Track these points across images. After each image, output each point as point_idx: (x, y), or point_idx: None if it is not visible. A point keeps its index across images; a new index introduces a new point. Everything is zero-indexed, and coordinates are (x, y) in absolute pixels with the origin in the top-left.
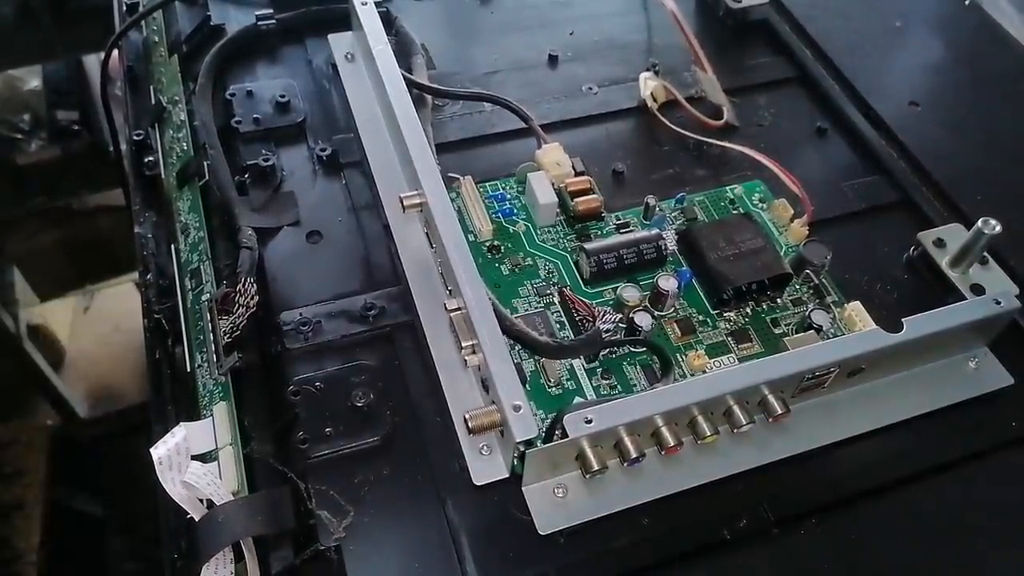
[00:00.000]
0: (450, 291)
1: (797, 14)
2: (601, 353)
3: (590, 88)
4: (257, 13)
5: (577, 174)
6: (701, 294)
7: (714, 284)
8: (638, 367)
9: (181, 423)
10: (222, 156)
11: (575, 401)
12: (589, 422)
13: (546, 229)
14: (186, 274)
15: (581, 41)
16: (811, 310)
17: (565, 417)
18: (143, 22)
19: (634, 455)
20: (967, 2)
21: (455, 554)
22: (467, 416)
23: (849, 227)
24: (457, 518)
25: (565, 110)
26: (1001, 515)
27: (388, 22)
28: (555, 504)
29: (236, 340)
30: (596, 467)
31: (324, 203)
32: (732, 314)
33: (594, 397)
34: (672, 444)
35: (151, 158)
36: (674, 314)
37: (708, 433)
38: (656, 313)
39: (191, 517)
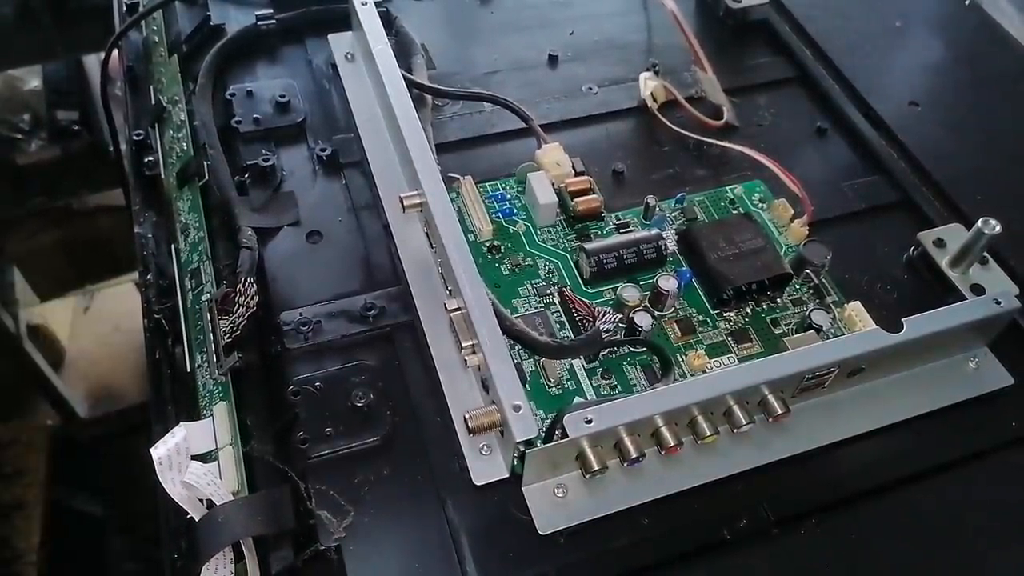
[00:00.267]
0: (450, 291)
1: (797, 14)
2: (601, 353)
3: (590, 88)
4: (257, 13)
5: (577, 174)
6: (701, 294)
7: (714, 284)
8: (638, 367)
9: (181, 423)
10: (222, 156)
11: (575, 401)
12: (589, 422)
13: (546, 229)
14: (186, 274)
15: (581, 41)
16: (811, 310)
17: (565, 417)
18: (143, 22)
19: (634, 455)
20: (967, 2)
21: (455, 554)
22: (467, 416)
23: (849, 227)
24: (457, 518)
25: (565, 110)
26: (1001, 515)
27: (388, 22)
28: (555, 504)
29: (236, 340)
30: (596, 467)
31: (324, 203)
32: (732, 314)
33: (594, 397)
34: (672, 444)
35: (151, 158)
36: (674, 314)
37: (708, 433)
38: (656, 313)
39: (191, 517)
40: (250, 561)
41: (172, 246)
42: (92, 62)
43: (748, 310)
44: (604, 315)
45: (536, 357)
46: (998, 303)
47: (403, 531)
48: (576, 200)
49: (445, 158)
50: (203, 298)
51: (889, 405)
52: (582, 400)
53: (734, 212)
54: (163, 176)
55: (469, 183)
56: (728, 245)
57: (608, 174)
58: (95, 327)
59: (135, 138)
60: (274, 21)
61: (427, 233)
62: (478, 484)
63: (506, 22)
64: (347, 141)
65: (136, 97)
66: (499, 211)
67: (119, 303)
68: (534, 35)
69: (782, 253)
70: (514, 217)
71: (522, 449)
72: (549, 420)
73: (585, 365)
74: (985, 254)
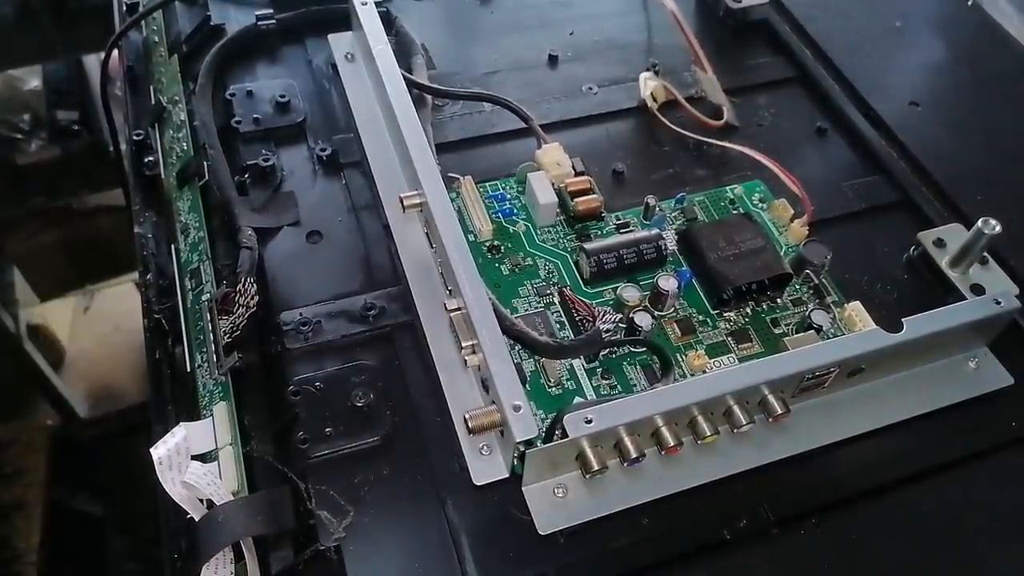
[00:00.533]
0: (450, 291)
1: (797, 14)
2: (601, 353)
3: (590, 88)
4: (257, 13)
5: (577, 174)
6: (701, 294)
7: (714, 284)
8: (638, 367)
9: (181, 423)
10: (222, 156)
11: (575, 401)
12: (589, 422)
13: (546, 229)
14: (186, 274)
15: (581, 41)
16: (811, 310)
17: (565, 417)
18: (143, 22)
19: (634, 455)
20: (970, 2)
21: (455, 554)
22: (467, 416)
23: (849, 227)
24: (457, 518)
25: (565, 110)
26: (1001, 515)
27: (388, 22)
28: (555, 504)
29: (236, 340)
30: (596, 467)
31: (324, 203)
32: (732, 314)
33: (594, 397)
34: (672, 444)
35: (151, 158)
36: (674, 314)
37: (708, 433)
38: (656, 313)
39: (191, 517)
40: (250, 561)
41: (172, 246)
42: (92, 62)
43: (748, 310)
44: (604, 315)
45: (536, 357)
46: (998, 303)
47: (403, 531)
48: (576, 200)
49: (445, 158)
50: (203, 298)
51: (889, 405)
52: (582, 400)
53: (734, 212)
54: (163, 176)
55: (469, 183)
56: (728, 245)
57: (608, 174)
58: (95, 327)
59: (135, 138)
60: (274, 21)
61: (427, 233)
62: (478, 484)
63: (506, 22)
64: (347, 141)
65: (136, 97)
66: (499, 211)
67: (119, 303)
68: (534, 35)
69: (782, 253)
70: (514, 217)
71: (522, 449)
72: (549, 420)
73: (585, 365)
74: (985, 254)
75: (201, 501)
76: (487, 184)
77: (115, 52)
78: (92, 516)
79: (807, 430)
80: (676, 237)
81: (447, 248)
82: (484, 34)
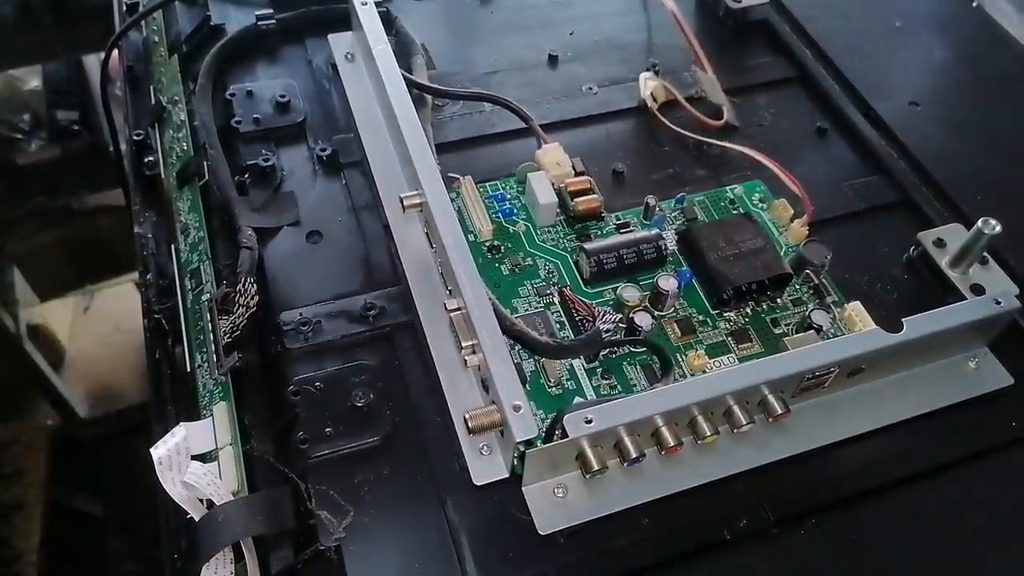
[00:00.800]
0: (450, 291)
1: (797, 14)
2: (601, 353)
3: (590, 88)
4: (257, 13)
5: (577, 174)
6: (701, 294)
7: (714, 284)
8: (638, 367)
9: (181, 423)
10: (222, 156)
11: (575, 401)
12: (589, 422)
13: (546, 229)
14: (186, 274)
15: (581, 41)
16: (811, 310)
17: (565, 417)
18: (143, 22)
19: (634, 455)
20: (974, 3)
21: (455, 554)
22: (467, 416)
23: (849, 227)
24: (457, 518)
25: (565, 110)
26: (1001, 515)
27: (388, 22)
28: (555, 504)
29: (236, 340)
30: (596, 467)
31: (324, 203)
32: (732, 314)
33: (594, 397)
34: (672, 444)
35: (151, 158)
36: (674, 314)
37: (708, 433)
38: (656, 313)
39: (191, 517)
40: (250, 561)
41: (172, 246)
42: (92, 62)
43: (748, 310)
44: (604, 315)
45: (536, 357)
46: (998, 303)
47: (403, 531)
48: (576, 200)
49: (445, 158)
50: (203, 298)
51: (889, 405)
52: (582, 400)
53: (734, 212)
54: (163, 176)
55: (469, 183)
56: (728, 245)
57: (608, 174)
58: (95, 327)
59: (135, 138)
60: (274, 21)
61: (427, 233)
62: (478, 484)
63: (506, 22)
64: (347, 141)
65: (136, 97)
66: (499, 211)
67: (119, 303)
68: (534, 35)
69: (782, 253)
70: (514, 217)
71: (522, 449)
72: (549, 420)
73: (585, 365)
74: (985, 254)
75: (201, 501)
76: (487, 184)
77: (115, 52)
78: (92, 516)
79: (807, 430)
80: (676, 237)
81: (447, 248)
82: (484, 34)
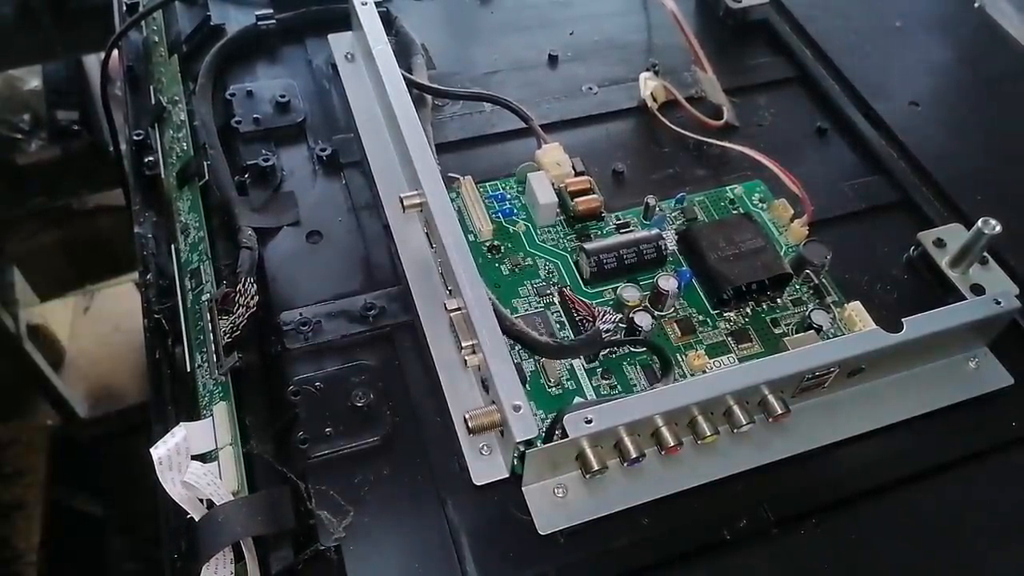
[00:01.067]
0: (450, 291)
1: (797, 14)
2: (601, 353)
3: (590, 88)
4: (257, 13)
5: (577, 174)
6: (701, 294)
7: (714, 284)
8: (638, 367)
9: (181, 423)
10: (222, 156)
11: (575, 401)
12: (589, 422)
13: (546, 229)
14: (186, 274)
15: (581, 41)
16: (811, 310)
17: (565, 417)
18: (143, 22)
19: (634, 455)
20: (976, 4)
21: (455, 554)
22: (467, 416)
23: (849, 227)
24: (457, 518)
25: (565, 110)
26: (1001, 515)
27: (388, 22)
28: (555, 504)
29: (236, 340)
30: (596, 467)
31: (324, 203)
32: (732, 314)
33: (594, 397)
34: (672, 444)
35: (151, 158)
36: (674, 314)
37: (708, 433)
38: (656, 313)
39: (191, 517)
40: (250, 561)
41: (172, 246)
42: (92, 62)
43: (748, 310)
44: (604, 315)
45: (536, 357)
46: (998, 303)
47: (403, 531)
48: (576, 200)
49: (445, 158)
50: (203, 298)
51: (889, 405)
52: (582, 400)
53: (734, 212)
54: (163, 176)
55: (469, 183)
56: (728, 245)
57: (608, 174)
58: (95, 327)
59: (135, 138)
60: (274, 21)
61: (427, 233)
62: (478, 484)
63: (506, 22)
64: (347, 141)
65: (136, 97)
66: (499, 211)
67: (119, 303)
68: (534, 35)
69: (782, 253)
70: (514, 217)
71: (522, 449)
72: (549, 420)
73: (585, 365)
74: (985, 254)
75: (201, 501)
76: (487, 184)
77: (115, 52)
78: (92, 516)
79: (807, 430)
80: (676, 237)
81: (447, 248)
82: (484, 34)
